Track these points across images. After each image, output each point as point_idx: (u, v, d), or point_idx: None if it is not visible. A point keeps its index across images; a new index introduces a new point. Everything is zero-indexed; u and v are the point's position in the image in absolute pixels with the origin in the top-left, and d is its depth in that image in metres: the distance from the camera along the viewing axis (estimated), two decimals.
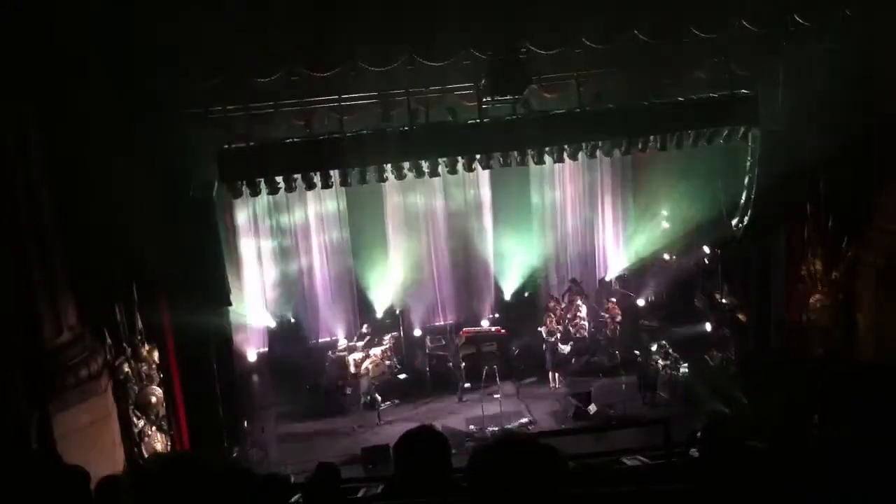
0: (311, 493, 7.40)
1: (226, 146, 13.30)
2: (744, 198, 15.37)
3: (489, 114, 13.91)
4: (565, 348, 17.49)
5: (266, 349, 18.59)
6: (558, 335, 17.51)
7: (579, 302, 18.66)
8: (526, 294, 19.86)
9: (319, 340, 19.09)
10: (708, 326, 17.60)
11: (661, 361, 16.47)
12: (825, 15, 12.99)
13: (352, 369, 17.17)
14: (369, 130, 13.89)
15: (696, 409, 14.91)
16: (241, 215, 18.05)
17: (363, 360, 17.23)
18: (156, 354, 12.77)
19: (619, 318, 18.52)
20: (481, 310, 19.91)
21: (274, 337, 18.66)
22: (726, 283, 17.09)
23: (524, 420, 15.87)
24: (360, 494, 9.82)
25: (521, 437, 3.22)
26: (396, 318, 18.90)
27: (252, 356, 17.93)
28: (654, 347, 16.72)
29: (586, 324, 18.30)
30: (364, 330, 18.38)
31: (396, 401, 17.15)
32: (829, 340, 14.68)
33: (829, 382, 12.24)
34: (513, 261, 19.55)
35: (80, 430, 11.20)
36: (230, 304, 14.64)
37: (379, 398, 16.47)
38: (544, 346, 17.51)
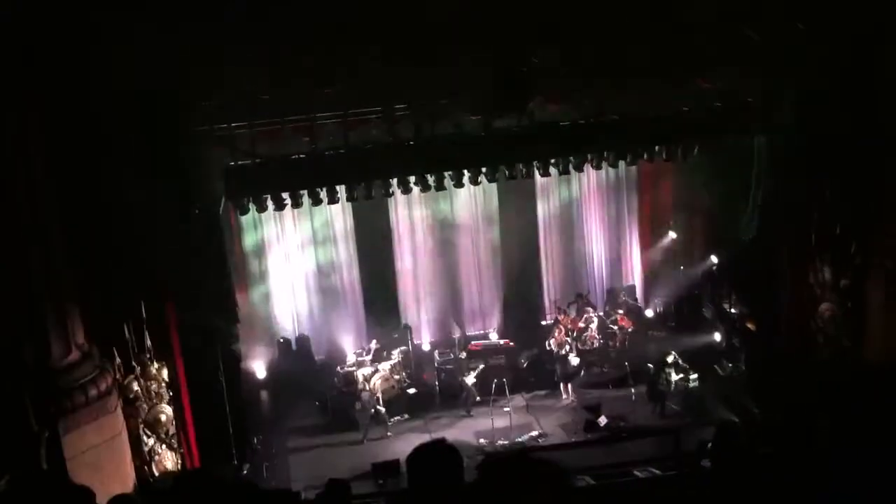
0: None
1: (231, 163, 13.33)
2: (750, 205, 15.35)
3: (494, 127, 13.93)
4: (575, 360, 17.44)
5: (275, 365, 18.59)
6: (568, 347, 17.48)
7: (588, 314, 18.63)
8: (533, 306, 19.85)
9: (328, 356, 19.09)
10: (717, 336, 17.56)
11: (670, 372, 16.40)
12: (829, 21, 12.99)
13: (360, 384, 17.15)
14: (374, 145, 13.92)
15: (707, 419, 14.86)
16: (249, 231, 18.10)
17: (372, 374, 17.21)
18: (165, 372, 12.76)
19: (630, 330, 18.50)
20: (489, 323, 19.91)
21: (283, 353, 18.67)
22: (734, 292, 17.06)
23: (534, 433, 15.82)
24: None
25: (529, 456, 3.21)
26: (404, 333, 18.88)
27: (261, 372, 17.94)
28: (662, 358, 16.65)
29: (596, 336, 18.26)
30: (372, 345, 18.38)
31: (406, 415, 17.12)
32: (838, 347, 14.63)
33: (840, 389, 12.20)
34: (520, 273, 19.55)
35: (91, 450, 11.19)
36: (238, 320, 14.67)
37: (383, 409, 16.43)
38: (557, 360, 17.47)
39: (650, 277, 20.13)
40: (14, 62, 10.20)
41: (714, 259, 17.97)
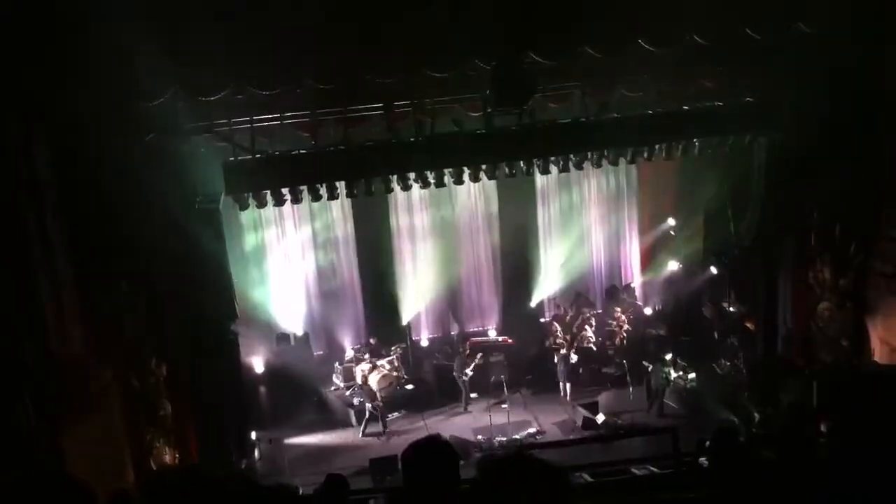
0: None
1: (231, 158, 13.33)
2: (751, 205, 15.34)
3: (494, 124, 13.92)
4: (573, 358, 17.46)
5: (274, 361, 18.59)
6: (566, 345, 17.48)
7: (586, 312, 18.64)
8: (532, 304, 19.87)
9: (326, 351, 19.10)
10: (715, 335, 17.56)
11: (668, 370, 16.41)
12: (829, 21, 12.98)
13: (359, 380, 17.18)
14: (375, 142, 13.92)
15: (705, 418, 14.87)
16: (250, 227, 18.09)
17: (370, 370, 17.24)
18: (164, 367, 12.78)
19: (626, 327, 18.51)
20: (488, 320, 19.92)
21: (281, 348, 18.68)
22: (734, 291, 17.07)
23: (532, 430, 15.82)
24: None
25: (529, 457, 3.22)
26: (403, 329, 18.90)
27: (259, 368, 17.95)
28: (661, 357, 16.67)
29: (592, 335, 18.26)
30: (371, 341, 18.39)
31: (403, 411, 17.14)
32: (837, 348, 14.64)
33: (838, 390, 12.20)
34: (519, 271, 19.56)
35: (89, 444, 11.19)
36: (237, 316, 14.68)
37: (381, 405, 16.46)
38: (555, 357, 17.48)
39: (649, 276, 20.14)
40: (15, 62, 10.21)
41: (713, 258, 17.96)
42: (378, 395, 16.63)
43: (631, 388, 16.95)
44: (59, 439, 10.75)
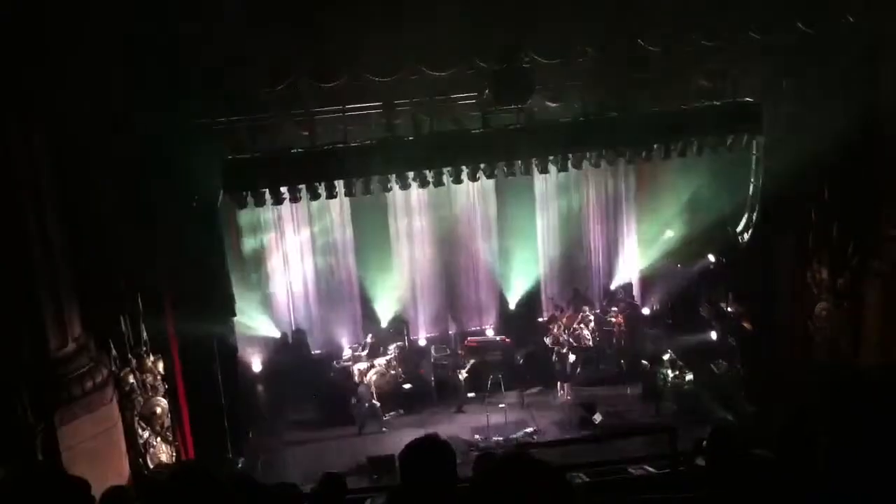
0: (316, 503, 7.39)
1: (230, 157, 13.32)
2: (748, 205, 15.34)
3: (493, 123, 13.92)
4: (571, 357, 17.44)
5: (271, 359, 18.58)
6: (563, 344, 17.46)
7: (584, 311, 18.62)
8: (530, 303, 19.84)
9: (324, 350, 19.08)
10: (713, 335, 17.55)
11: (666, 370, 16.40)
12: (829, 22, 12.99)
13: (356, 379, 17.16)
14: (373, 140, 13.90)
15: (702, 418, 14.86)
16: (247, 227, 18.07)
17: (368, 369, 17.22)
18: (161, 365, 12.77)
19: (626, 327, 18.49)
20: (486, 319, 19.90)
21: (279, 347, 18.66)
22: (731, 291, 17.06)
23: (529, 429, 15.81)
24: None
25: (528, 457, 3.22)
26: (401, 328, 18.87)
27: (257, 366, 17.93)
28: (659, 356, 16.66)
29: (589, 333, 18.23)
30: (369, 340, 18.36)
31: (401, 410, 17.13)
32: (835, 348, 14.65)
33: (836, 391, 12.20)
34: (517, 270, 19.53)
35: (86, 441, 11.21)
36: (235, 314, 14.67)
37: (378, 404, 16.45)
38: (553, 357, 17.44)
39: (647, 276, 20.12)
40: (15, 62, 10.21)
41: (711, 258, 17.95)
42: (375, 394, 16.61)
43: (628, 388, 16.95)
44: (56, 437, 10.76)
